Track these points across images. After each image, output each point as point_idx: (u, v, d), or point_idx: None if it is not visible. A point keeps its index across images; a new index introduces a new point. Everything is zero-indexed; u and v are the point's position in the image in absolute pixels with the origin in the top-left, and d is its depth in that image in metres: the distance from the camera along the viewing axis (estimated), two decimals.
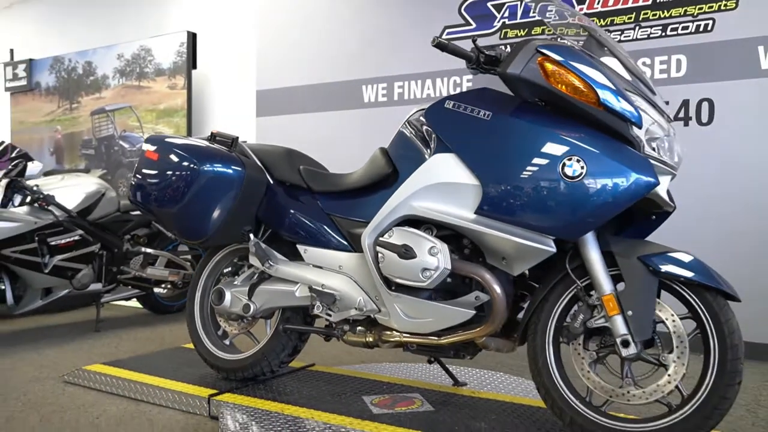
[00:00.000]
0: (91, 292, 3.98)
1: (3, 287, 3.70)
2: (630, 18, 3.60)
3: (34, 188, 3.65)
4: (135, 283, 4.22)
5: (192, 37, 5.15)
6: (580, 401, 1.89)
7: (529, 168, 1.85)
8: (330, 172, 2.50)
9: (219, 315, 2.64)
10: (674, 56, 3.48)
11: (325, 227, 2.35)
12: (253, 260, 2.45)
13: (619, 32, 3.62)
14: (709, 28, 3.39)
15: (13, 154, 3.71)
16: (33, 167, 3.67)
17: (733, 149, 3.33)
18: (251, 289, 2.46)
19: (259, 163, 2.51)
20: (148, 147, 2.48)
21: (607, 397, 1.87)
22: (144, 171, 2.46)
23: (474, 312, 1.98)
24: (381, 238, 2.06)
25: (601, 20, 3.68)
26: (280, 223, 2.45)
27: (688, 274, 1.79)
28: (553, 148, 1.83)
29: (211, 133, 2.58)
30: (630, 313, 1.81)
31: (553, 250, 1.85)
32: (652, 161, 1.86)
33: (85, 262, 3.84)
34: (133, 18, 5.85)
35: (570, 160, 1.80)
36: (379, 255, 2.05)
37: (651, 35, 3.54)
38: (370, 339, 2.24)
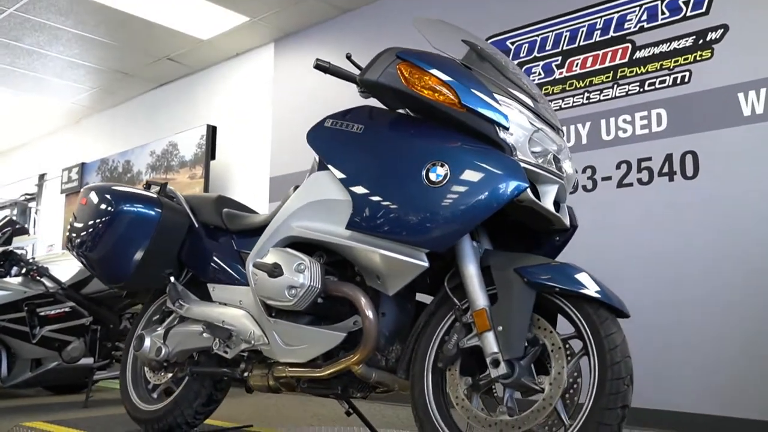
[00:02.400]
0: (83, 366, 3.99)
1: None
2: (608, 77, 3.50)
3: (30, 260, 3.81)
4: None
5: (212, 130, 5.44)
6: None
7: (394, 177, 1.77)
8: (250, 214, 2.48)
9: (142, 363, 2.57)
10: (654, 111, 3.32)
11: (235, 264, 2.30)
12: (169, 303, 2.41)
13: (599, 92, 3.52)
14: (686, 80, 3.24)
15: (16, 227, 3.94)
16: (25, 239, 3.86)
17: (719, 201, 3.06)
18: (166, 332, 2.40)
19: (185, 207, 2.52)
20: (82, 194, 2.56)
21: (480, 428, 1.63)
22: (75, 217, 2.53)
23: (344, 335, 1.84)
24: (257, 260, 1.98)
25: (581, 81, 3.60)
26: (197, 264, 2.42)
27: (565, 284, 1.60)
28: (417, 155, 1.75)
29: (146, 181, 2.64)
30: (500, 328, 1.62)
31: (425, 264, 1.71)
32: (531, 167, 1.73)
33: (75, 334, 3.89)
34: (165, 117, 6.29)
35: (434, 165, 1.71)
36: (254, 277, 1.96)
37: (629, 92, 3.42)
38: (272, 382, 2.10)
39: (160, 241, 2.40)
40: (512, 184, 1.65)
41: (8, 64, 6.01)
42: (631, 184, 3.35)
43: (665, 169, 3.25)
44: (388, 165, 1.79)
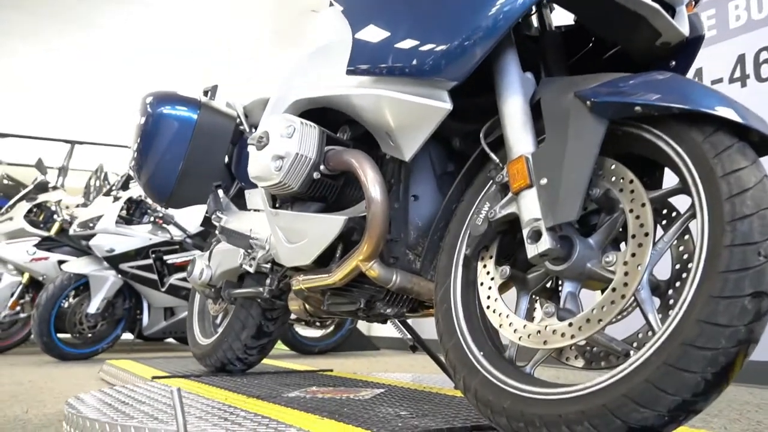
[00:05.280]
0: None
1: (140, 307, 3.82)
2: None
3: (157, 207, 3.77)
4: None
5: None
6: (485, 354, 1.08)
7: None
8: None
9: (197, 291, 2.28)
10: None
11: None
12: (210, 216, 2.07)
13: None
14: None
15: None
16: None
17: None
18: (210, 253, 2.07)
19: (238, 111, 2.16)
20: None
21: (515, 338, 1.03)
22: (134, 135, 2.29)
23: (343, 219, 1.32)
24: (251, 135, 1.53)
25: None
26: (240, 172, 2.06)
27: (655, 99, 0.94)
28: None
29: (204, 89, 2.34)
30: (544, 181, 1.00)
31: (446, 106, 1.15)
32: None
33: None
34: None
35: None
36: (251, 156, 1.51)
37: None
38: (307, 305, 1.66)
39: (199, 148, 2.06)
40: None
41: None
42: None
43: None
44: None
